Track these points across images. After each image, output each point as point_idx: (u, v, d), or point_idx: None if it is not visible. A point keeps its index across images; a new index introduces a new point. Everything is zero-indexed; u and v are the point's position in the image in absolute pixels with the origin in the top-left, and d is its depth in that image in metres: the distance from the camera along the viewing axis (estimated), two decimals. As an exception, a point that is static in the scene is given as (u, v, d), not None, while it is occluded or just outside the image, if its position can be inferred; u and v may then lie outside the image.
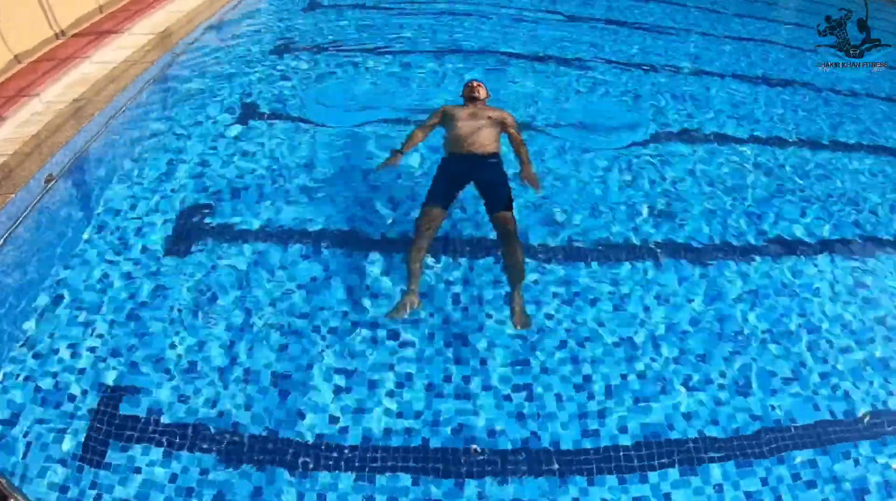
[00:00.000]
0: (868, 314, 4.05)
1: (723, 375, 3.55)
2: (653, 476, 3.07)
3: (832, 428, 3.35)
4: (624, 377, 3.48)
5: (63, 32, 6.45)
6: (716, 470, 3.11)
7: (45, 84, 5.40)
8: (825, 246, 4.58)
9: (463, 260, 4.08)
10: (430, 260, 3.99)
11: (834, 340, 3.84)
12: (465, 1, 8.71)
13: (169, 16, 7.38)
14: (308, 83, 6.11)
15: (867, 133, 6.43)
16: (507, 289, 3.73)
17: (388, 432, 3.14)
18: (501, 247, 3.84)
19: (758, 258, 4.37)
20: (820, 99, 7.06)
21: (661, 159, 5.31)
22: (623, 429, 3.23)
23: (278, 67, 6.39)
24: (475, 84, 4.60)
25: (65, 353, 3.32)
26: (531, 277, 3.96)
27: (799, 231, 4.68)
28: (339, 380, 3.33)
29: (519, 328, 3.61)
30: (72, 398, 3.14)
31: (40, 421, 3.03)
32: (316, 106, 5.70)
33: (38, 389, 3.15)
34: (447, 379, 3.40)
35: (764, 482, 3.08)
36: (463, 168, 4.05)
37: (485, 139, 4.09)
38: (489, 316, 3.74)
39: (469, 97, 4.53)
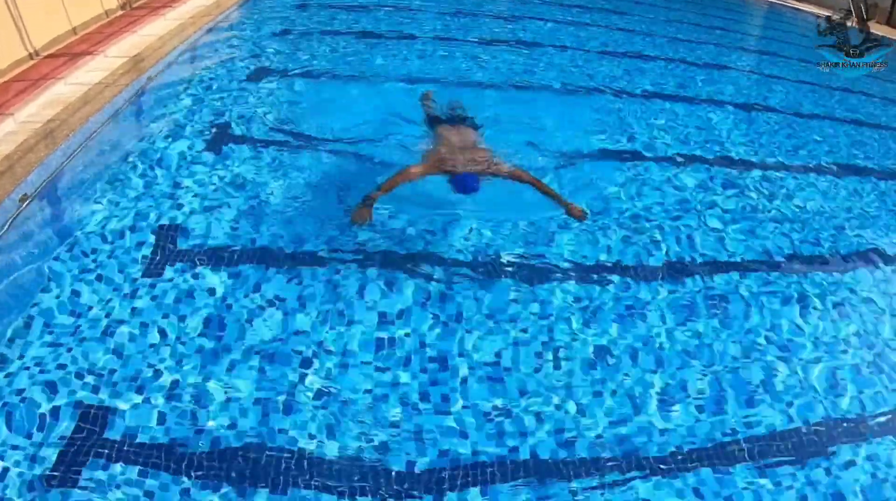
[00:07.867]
0: (837, 326, 4.30)
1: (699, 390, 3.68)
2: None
3: (806, 435, 3.51)
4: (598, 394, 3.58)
5: (37, 53, 6.42)
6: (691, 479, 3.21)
7: (19, 104, 5.35)
8: (792, 262, 4.90)
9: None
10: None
11: (805, 352, 4.04)
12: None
13: (141, 40, 7.40)
14: (281, 106, 6.20)
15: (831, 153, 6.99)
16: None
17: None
18: None
19: (731, 273, 4.62)
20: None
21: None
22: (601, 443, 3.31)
23: (250, 91, 6.46)
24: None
25: (37, 375, 3.27)
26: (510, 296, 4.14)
27: (766, 247, 4.98)
28: (318, 400, 3.35)
29: None
30: (43, 419, 3.08)
31: (14, 448, 2.96)
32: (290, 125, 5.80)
33: (9, 414, 3.08)
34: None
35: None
36: None
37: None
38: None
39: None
